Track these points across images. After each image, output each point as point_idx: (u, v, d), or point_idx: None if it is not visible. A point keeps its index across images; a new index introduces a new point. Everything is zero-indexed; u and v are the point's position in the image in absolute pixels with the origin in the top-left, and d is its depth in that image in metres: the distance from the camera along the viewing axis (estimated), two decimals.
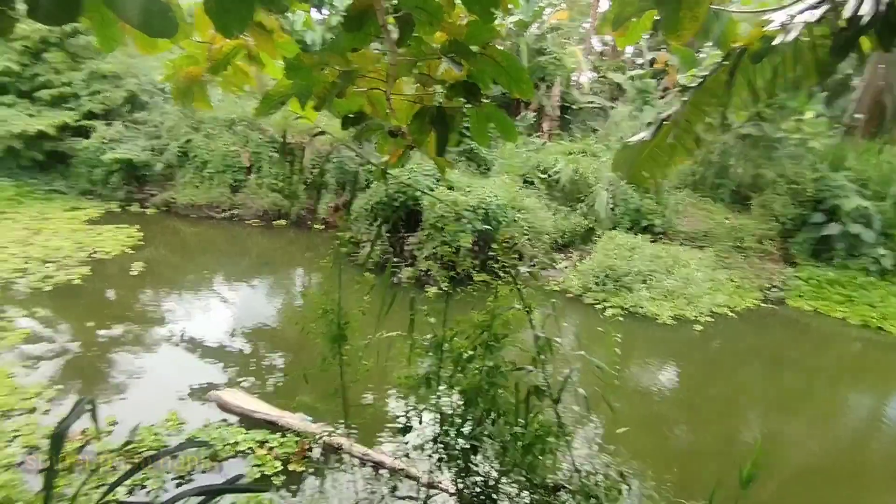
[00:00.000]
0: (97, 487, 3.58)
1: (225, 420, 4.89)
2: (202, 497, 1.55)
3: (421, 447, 2.70)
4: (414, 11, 1.83)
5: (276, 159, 10.46)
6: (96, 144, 10.19)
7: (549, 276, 9.09)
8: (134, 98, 10.89)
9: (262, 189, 10.35)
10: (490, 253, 6.91)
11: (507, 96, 10.75)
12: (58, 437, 1.31)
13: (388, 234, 8.66)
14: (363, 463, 4.52)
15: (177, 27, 1.56)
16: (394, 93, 2.16)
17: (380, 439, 4.86)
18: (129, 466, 3.99)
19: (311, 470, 4.43)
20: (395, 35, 1.83)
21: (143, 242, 8.90)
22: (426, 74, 2.03)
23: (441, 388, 2.70)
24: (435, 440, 2.58)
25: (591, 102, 15.00)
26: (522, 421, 2.41)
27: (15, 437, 4.32)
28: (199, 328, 6.79)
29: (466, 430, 2.50)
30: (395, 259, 8.06)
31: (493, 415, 2.47)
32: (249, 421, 4.88)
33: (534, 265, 9.04)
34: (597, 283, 8.59)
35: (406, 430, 2.54)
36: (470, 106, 2.04)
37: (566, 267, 9.47)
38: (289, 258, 9.68)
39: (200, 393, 5.36)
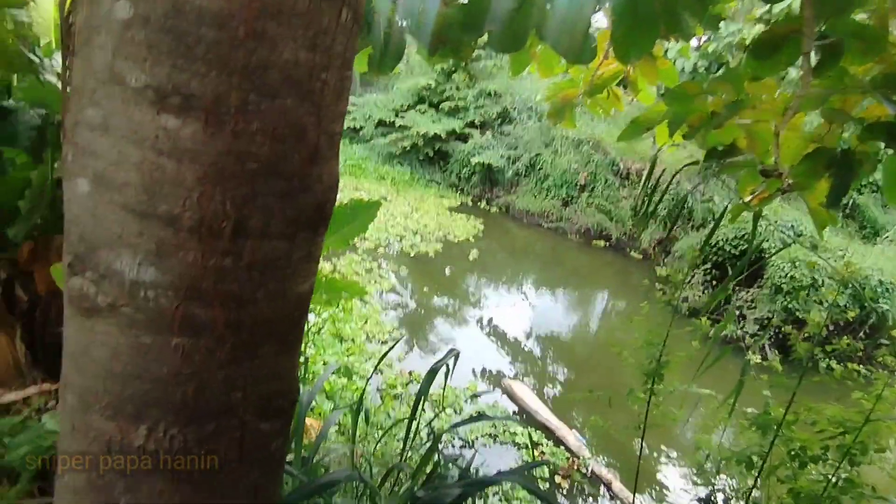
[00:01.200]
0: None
1: (505, 408, 5.34)
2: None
3: None
4: (847, 39, 1.56)
5: (611, 182, 10.60)
6: (469, 149, 12.45)
7: None
8: (506, 113, 12.80)
9: (590, 207, 10.70)
10: (856, 338, 5.34)
11: None
12: (431, 372, 1.66)
13: (714, 282, 7.73)
14: None
15: (594, 55, 1.73)
16: (788, 128, 1.90)
17: (648, 492, 4.51)
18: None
19: (566, 490, 4.41)
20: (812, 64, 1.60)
21: (482, 235, 10.43)
22: (838, 110, 1.72)
23: (754, 473, 2.26)
24: None
25: None
26: None
27: (370, 358, 5.73)
28: (503, 320, 7.53)
29: None
30: (719, 311, 7.12)
31: None
32: (528, 418, 5.18)
33: None
34: None
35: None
36: (892, 153, 1.65)
37: None
38: (598, 279, 9.74)
39: (490, 376, 5.99)
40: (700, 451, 3.53)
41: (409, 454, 2.13)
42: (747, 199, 2.14)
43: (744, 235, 7.62)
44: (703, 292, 7.80)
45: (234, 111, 0.42)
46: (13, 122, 3.07)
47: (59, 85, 2.74)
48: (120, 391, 0.47)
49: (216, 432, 0.51)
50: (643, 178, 10.05)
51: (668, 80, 2.32)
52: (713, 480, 3.20)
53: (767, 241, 7.32)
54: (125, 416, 0.48)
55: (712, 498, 2.36)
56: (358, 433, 3.95)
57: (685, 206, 8.83)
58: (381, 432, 4.12)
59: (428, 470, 1.81)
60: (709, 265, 7.96)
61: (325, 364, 5.28)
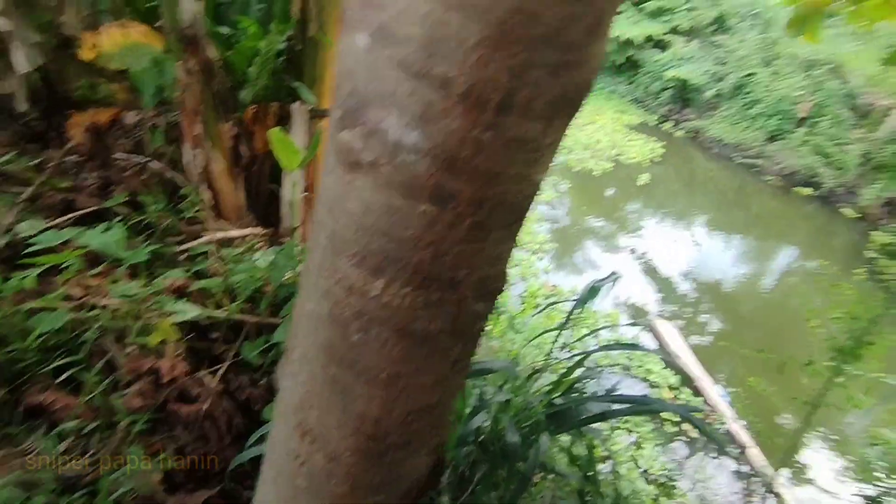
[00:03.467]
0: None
1: (645, 345, 5.16)
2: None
3: None
4: None
5: (843, 118, 8.60)
6: (667, 59, 10.91)
7: None
8: (723, 19, 10.77)
9: (804, 147, 8.90)
10: None
11: None
12: (593, 289, 1.63)
13: None
14: (755, 475, 3.98)
15: None
16: None
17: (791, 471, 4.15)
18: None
19: (688, 439, 4.23)
20: None
21: (660, 160, 9.46)
22: None
23: None
24: None
25: None
26: None
27: (517, 265, 5.84)
28: (659, 255, 6.99)
29: None
30: None
31: None
32: (669, 360, 4.95)
33: None
34: None
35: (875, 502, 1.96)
36: None
37: None
38: (789, 232, 8.37)
39: (634, 309, 5.74)
40: (876, 445, 3.07)
41: (549, 363, 2.19)
42: None
43: None
44: None
45: None
46: None
47: None
48: (367, 243, 0.51)
49: (440, 302, 0.54)
50: None
51: None
52: (884, 480, 2.80)
53: None
54: (368, 267, 0.53)
55: (880, 499, 2.06)
56: (498, 333, 4.17)
57: None
58: (518, 336, 4.29)
59: (569, 382, 1.85)
60: None
61: None
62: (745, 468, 4.10)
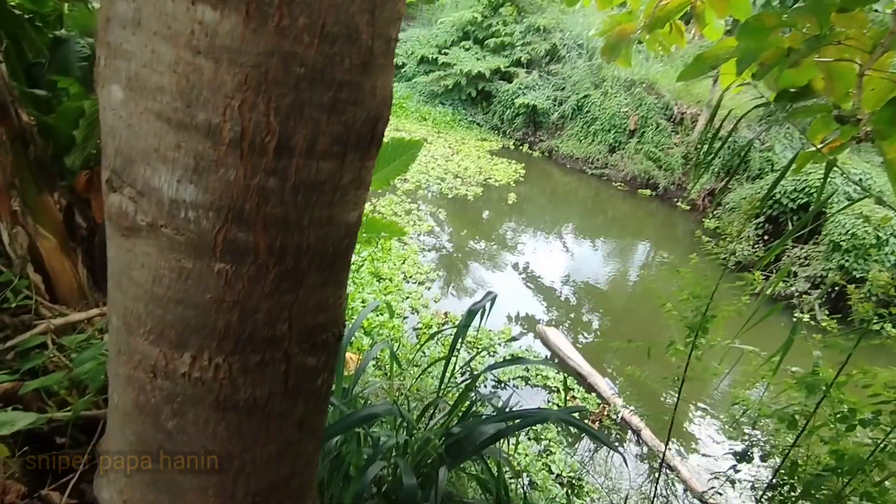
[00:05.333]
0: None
1: (538, 353, 5.41)
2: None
3: (753, 487, 2.31)
4: None
5: (663, 127, 10.01)
6: (514, 89, 11.93)
7: None
8: (554, 51, 12.09)
9: (638, 154, 10.19)
10: None
11: None
12: (470, 313, 1.65)
13: (766, 237, 7.36)
14: (653, 455, 4.30)
15: None
16: (875, 69, 1.69)
17: (679, 442, 4.56)
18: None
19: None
20: None
21: (523, 179, 10.18)
22: None
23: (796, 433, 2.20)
24: (773, 487, 2.15)
25: None
26: None
27: (407, 298, 5.83)
28: (540, 266, 7.47)
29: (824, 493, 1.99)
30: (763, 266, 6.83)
31: None
32: (561, 364, 5.23)
33: None
34: None
35: (744, 458, 2.20)
36: None
37: None
38: (641, 228, 9.45)
39: (525, 321, 6.02)
40: (736, 405, 3.49)
41: (446, 391, 2.17)
42: (818, 146, 1.96)
43: (804, 188, 7.15)
44: (754, 247, 7.46)
45: (277, 3, 0.36)
46: (65, 51, 3.09)
47: None
48: (162, 315, 0.45)
49: (261, 364, 0.49)
50: (705, 122, 9.43)
51: (740, 13, 2.10)
52: (747, 435, 3.17)
53: (831, 195, 6.87)
54: (168, 342, 0.46)
55: (749, 452, 2.34)
56: (395, 369, 4.08)
57: (745, 155, 8.30)
58: (417, 369, 4.25)
59: (463, 408, 1.85)
60: (762, 219, 7.56)
61: (363, 302, 5.42)
62: (646, 450, 4.42)
